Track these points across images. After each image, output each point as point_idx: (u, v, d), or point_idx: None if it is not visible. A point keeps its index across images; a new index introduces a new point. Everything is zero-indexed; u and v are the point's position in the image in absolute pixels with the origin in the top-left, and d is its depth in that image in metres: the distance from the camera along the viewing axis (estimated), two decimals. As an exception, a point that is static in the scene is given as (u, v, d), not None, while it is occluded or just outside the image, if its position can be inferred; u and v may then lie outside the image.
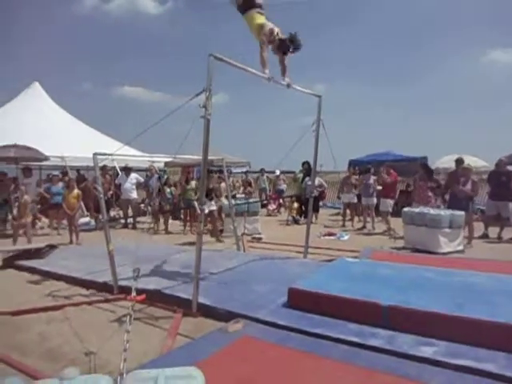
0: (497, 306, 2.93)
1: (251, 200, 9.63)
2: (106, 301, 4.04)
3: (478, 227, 7.58)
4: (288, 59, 4.44)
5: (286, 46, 4.24)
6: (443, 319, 2.76)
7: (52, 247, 6.45)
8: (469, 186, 7.03)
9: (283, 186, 13.59)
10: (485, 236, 7.69)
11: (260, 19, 4.29)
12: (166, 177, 10.97)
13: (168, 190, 9.76)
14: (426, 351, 2.54)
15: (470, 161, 10.56)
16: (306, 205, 8.79)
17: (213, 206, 7.97)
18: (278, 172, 13.65)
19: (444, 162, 13.67)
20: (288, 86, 4.48)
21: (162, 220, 9.68)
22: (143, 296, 2.91)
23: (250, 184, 12.52)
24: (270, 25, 4.22)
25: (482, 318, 2.67)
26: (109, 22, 35.39)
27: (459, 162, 7.64)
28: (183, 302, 3.65)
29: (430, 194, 7.55)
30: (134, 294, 2.49)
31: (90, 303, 3.99)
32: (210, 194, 8.89)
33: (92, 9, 34.73)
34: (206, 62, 3.43)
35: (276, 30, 4.19)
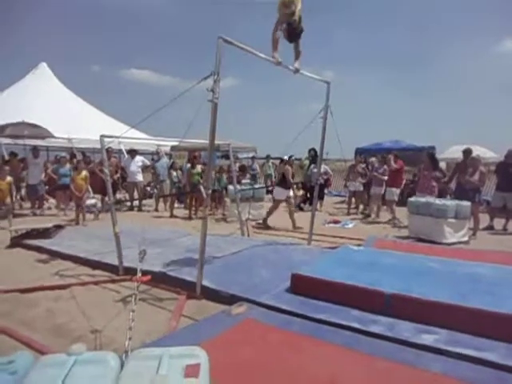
0: (500, 296, 2.93)
1: (256, 186, 9.62)
2: (112, 281, 4.10)
3: (484, 218, 7.54)
4: (301, 45, 4.33)
5: (293, 36, 4.15)
6: (445, 308, 2.77)
7: (59, 227, 6.54)
8: (476, 177, 6.98)
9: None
10: (490, 227, 7.66)
11: None
12: (171, 160, 10.99)
13: (174, 173, 9.78)
14: (427, 339, 2.56)
15: (479, 151, 10.49)
16: (312, 192, 8.79)
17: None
18: (286, 158, 13.49)
19: (452, 151, 13.55)
20: (296, 71, 4.40)
21: (167, 203, 9.74)
22: (149, 277, 2.96)
23: (242, 169, 11.89)
24: (292, 7, 3.93)
25: (484, 308, 2.68)
26: (118, 4, 34.93)
27: (467, 152, 7.56)
28: (187, 284, 3.70)
29: (434, 183, 7.51)
30: (139, 274, 2.52)
31: (96, 283, 4.06)
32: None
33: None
34: (215, 44, 3.40)
35: (296, 15, 3.97)
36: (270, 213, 7.99)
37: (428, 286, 3.14)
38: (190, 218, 9.06)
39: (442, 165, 10.67)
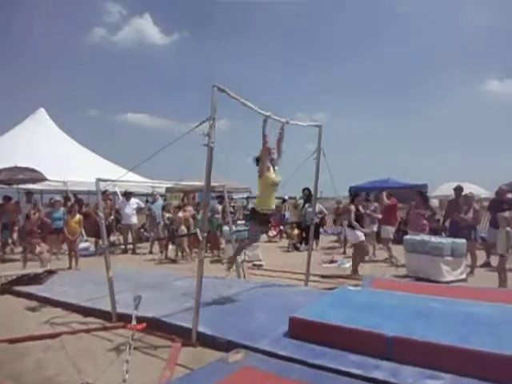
0: (502, 337, 2.88)
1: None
2: (104, 329, 3.97)
3: (480, 255, 7.52)
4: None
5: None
6: (448, 351, 2.70)
7: (51, 272, 6.40)
8: (470, 215, 7.04)
9: (287, 213, 13.44)
10: (487, 264, 7.62)
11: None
12: (166, 202, 10.95)
13: (167, 215, 9.69)
14: (432, 385, 2.48)
15: (470, 188, 10.64)
16: (307, 231, 8.77)
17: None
18: (286, 197, 13.54)
19: (444, 189, 13.75)
20: (286, 122, 4.63)
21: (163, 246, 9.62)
22: (143, 325, 2.88)
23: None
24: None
25: (487, 350, 2.62)
26: (116, 51, 36.46)
27: (458, 190, 7.70)
28: (183, 330, 3.59)
29: (425, 221, 7.60)
30: (134, 322, 2.45)
31: (87, 331, 3.92)
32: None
33: (100, 39, 35.82)
34: (210, 92, 3.53)
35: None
36: (354, 261, 6.99)
37: (429, 328, 3.08)
38: (184, 258, 8.97)
39: (435, 202, 10.82)
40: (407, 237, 7.16)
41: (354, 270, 6.85)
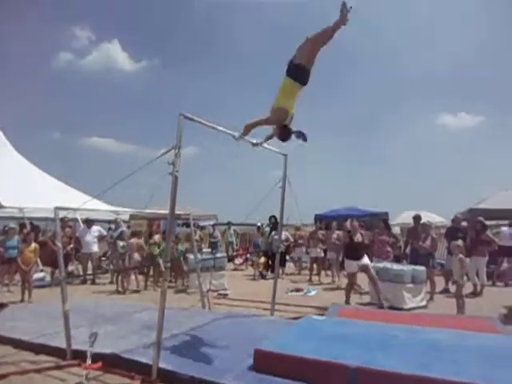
0: (461, 364, 2.96)
1: (218, 254, 9.46)
2: (57, 367, 3.70)
3: (439, 282, 7.78)
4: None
5: (287, 136, 3.92)
6: (410, 380, 2.74)
7: (1, 306, 5.97)
8: (428, 242, 7.33)
9: (260, 240, 12.46)
10: (446, 291, 7.88)
11: (289, 101, 3.74)
12: (119, 230, 10.38)
13: (121, 243, 9.33)
14: (395, 416, 2.49)
15: (427, 216, 11.14)
16: (273, 259, 8.76)
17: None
18: (259, 224, 13.01)
19: (404, 217, 14.27)
20: (255, 144, 4.59)
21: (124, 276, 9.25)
22: (99, 364, 2.72)
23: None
24: (288, 117, 3.78)
25: (447, 377, 2.67)
26: (83, 76, 35.92)
27: (417, 218, 8.03)
28: (143, 366, 3.41)
29: (389, 249, 7.86)
30: (89, 361, 2.31)
31: (38, 371, 3.64)
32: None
33: (66, 63, 35.25)
34: (177, 119, 3.54)
35: (288, 120, 3.82)
36: (348, 292, 6.84)
37: (392, 357, 3.12)
38: (146, 288, 8.69)
39: (397, 230, 11.20)
40: (371, 264, 7.31)
41: (347, 300, 6.74)
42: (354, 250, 6.69)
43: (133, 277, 9.52)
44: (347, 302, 6.70)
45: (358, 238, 6.76)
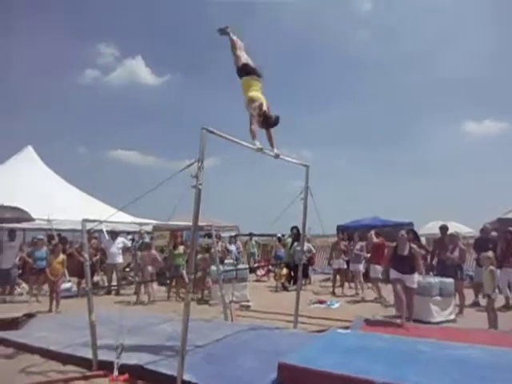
0: (493, 382, 2.83)
1: (240, 266, 9.46)
2: (84, 378, 3.76)
3: (469, 294, 7.52)
4: (273, 132, 4.60)
5: (269, 123, 4.41)
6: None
7: (30, 316, 6.13)
8: (456, 253, 7.10)
9: (282, 251, 12.54)
10: (476, 304, 7.60)
11: (253, 91, 4.42)
12: (140, 241, 10.55)
13: (140, 254, 9.46)
14: None
15: (454, 227, 10.83)
16: (295, 271, 8.69)
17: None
18: (279, 235, 13.18)
19: (429, 227, 13.92)
20: (276, 156, 4.60)
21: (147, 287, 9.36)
22: (126, 375, 2.75)
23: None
24: (259, 100, 4.34)
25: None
26: (108, 91, 37.23)
27: (444, 229, 7.81)
28: (167, 378, 3.42)
29: (421, 261, 7.61)
30: (116, 373, 2.34)
31: (65, 381, 3.71)
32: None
33: (92, 79, 36.58)
34: (199, 134, 3.60)
35: (264, 106, 4.32)
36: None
37: (419, 373, 3.02)
38: (169, 299, 8.77)
39: (422, 240, 10.92)
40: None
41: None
42: (398, 266, 5.87)
43: (156, 287, 9.65)
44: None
45: (405, 252, 5.88)
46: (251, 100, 4.35)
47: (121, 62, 42.15)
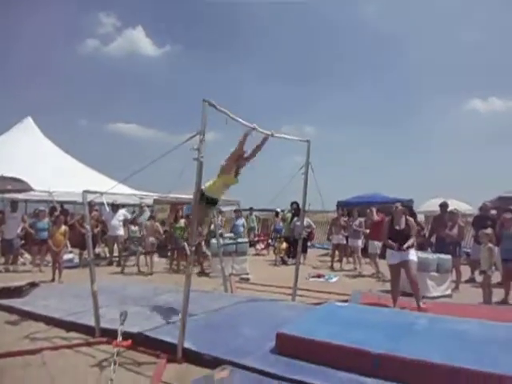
0: (486, 355, 2.90)
1: (240, 240, 9.55)
2: (87, 344, 3.87)
3: (465, 271, 7.62)
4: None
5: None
6: (433, 368, 2.72)
7: (33, 285, 6.24)
8: (455, 231, 7.14)
9: (280, 225, 12.81)
10: (472, 280, 7.72)
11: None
12: (134, 215, 10.65)
13: (132, 228, 9.54)
14: (418, 403, 2.48)
15: (454, 204, 10.82)
16: (295, 245, 8.77)
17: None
18: (279, 210, 13.33)
19: (430, 205, 13.94)
20: (272, 134, 4.61)
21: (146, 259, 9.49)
22: (129, 342, 2.82)
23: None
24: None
25: (471, 367, 2.64)
26: (108, 62, 36.51)
27: (444, 206, 7.83)
28: (168, 346, 3.52)
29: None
30: (119, 338, 2.40)
31: (69, 347, 3.82)
32: None
33: (93, 49, 35.77)
34: (200, 106, 3.54)
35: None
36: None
37: (415, 345, 3.09)
38: (170, 271, 8.92)
39: (421, 218, 10.96)
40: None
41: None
42: (395, 240, 5.42)
43: (156, 259, 9.78)
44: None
45: (401, 225, 5.51)
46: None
47: (121, 32, 41.09)
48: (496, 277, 6.18)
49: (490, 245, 5.83)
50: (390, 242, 5.43)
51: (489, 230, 6.13)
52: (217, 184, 4.56)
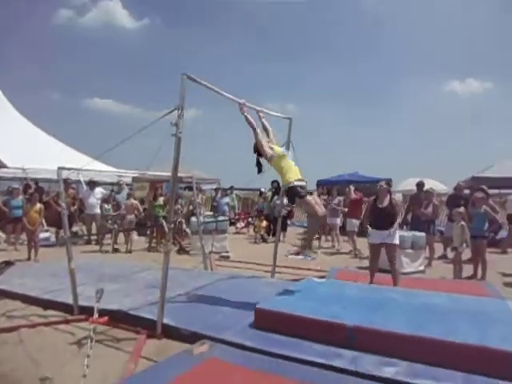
0: (455, 326, 3.05)
1: (220, 218, 9.57)
2: (66, 322, 3.85)
3: (438, 248, 7.89)
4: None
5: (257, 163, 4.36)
6: (405, 339, 2.84)
7: (8, 264, 6.13)
8: (430, 209, 7.35)
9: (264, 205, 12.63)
10: (444, 257, 8.01)
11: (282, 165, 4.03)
12: (107, 192, 10.49)
13: (106, 206, 9.43)
14: (388, 371, 2.60)
15: (430, 184, 11.10)
16: (275, 223, 8.86)
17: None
18: (263, 189, 13.31)
19: (407, 184, 14.25)
20: (260, 110, 4.52)
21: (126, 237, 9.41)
22: (105, 318, 2.82)
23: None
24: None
25: (441, 338, 2.77)
26: (82, 34, 34.96)
27: (420, 185, 8.02)
28: (148, 322, 3.55)
29: None
30: (96, 315, 2.40)
31: (47, 324, 3.79)
32: None
33: (66, 20, 34.13)
34: (179, 80, 3.46)
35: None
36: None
37: (388, 318, 3.21)
38: (149, 249, 8.89)
39: (399, 196, 11.21)
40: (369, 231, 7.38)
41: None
42: (378, 219, 5.32)
43: (135, 237, 9.72)
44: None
45: (384, 203, 5.34)
46: (270, 160, 4.09)
47: (96, 2, 39.28)
48: (467, 253, 6.43)
49: (463, 223, 6.03)
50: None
51: (461, 209, 6.34)
52: (281, 167, 4.01)
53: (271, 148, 4.10)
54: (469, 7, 34.87)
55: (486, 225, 6.29)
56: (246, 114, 4.13)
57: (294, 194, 3.88)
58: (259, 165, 4.35)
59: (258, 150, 4.19)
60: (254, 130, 4.11)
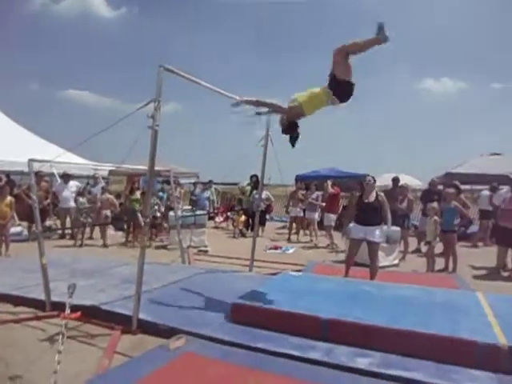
0: (427, 317, 3.14)
1: (198, 212, 9.51)
2: (37, 318, 3.74)
3: (412, 242, 8.09)
4: None
5: (289, 132, 3.68)
6: (378, 331, 2.91)
7: (-24, 259, 5.90)
8: (405, 204, 7.52)
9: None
10: (418, 250, 8.22)
11: (312, 110, 3.56)
12: (82, 186, 10.31)
13: (81, 199, 9.24)
14: (362, 362, 2.66)
15: (406, 179, 11.37)
16: (253, 218, 8.87)
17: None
18: (244, 184, 13.21)
19: (383, 179, 14.51)
20: (237, 104, 3.96)
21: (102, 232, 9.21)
22: (78, 314, 2.76)
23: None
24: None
25: (413, 329, 2.85)
26: (58, 22, 33.84)
27: (396, 180, 8.19)
28: (123, 318, 3.50)
29: None
30: (68, 311, 2.34)
31: (17, 321, 3.68)
32: None
33: (40, 6, 32.90)
34: (156, 72, 3.40)
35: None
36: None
37: (363, 310, 3.28)
38: (126, 244, 8.76)
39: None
40: (351, 225, 7.49)
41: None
42: (363, 214, 5.33)
43: (112, 232, 9.56)
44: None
45: (370, 198, 5.34)
46: (301, 115, 3.57)
47: (71, -12, 37.99)
48: (439, 247, 6.62)
49: (436, 217, 6.21)
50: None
51: (435, 204, 6.51)
52: (317, 91, 3.45)
53: (292, 102, 3.53)
54: (447, 8, 35.68)
55: (457, 220, 6.49)
56: (246, 103, 3.80)
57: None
58: (293, 135, 3.69)
59: (291, 117, 3.62)
60: (266, 104, 3.71)
